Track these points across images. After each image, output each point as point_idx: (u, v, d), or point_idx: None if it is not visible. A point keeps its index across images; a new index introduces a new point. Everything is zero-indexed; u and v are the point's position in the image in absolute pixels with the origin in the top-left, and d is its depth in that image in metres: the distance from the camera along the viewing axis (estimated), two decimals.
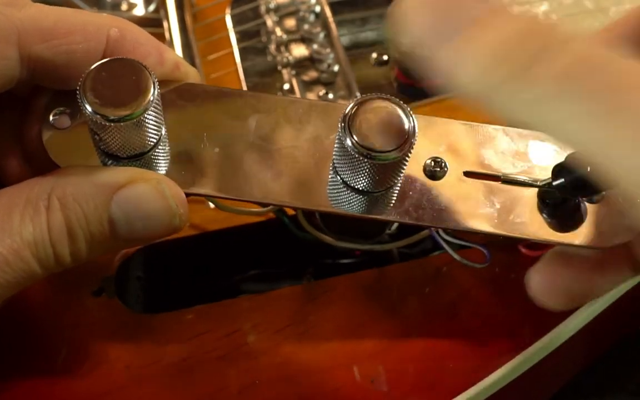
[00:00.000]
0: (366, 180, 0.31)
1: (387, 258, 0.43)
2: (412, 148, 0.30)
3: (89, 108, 0.29)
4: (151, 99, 0.30)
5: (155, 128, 0.31)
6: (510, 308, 0.38)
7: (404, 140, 0.30)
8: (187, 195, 0.32)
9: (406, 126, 0.30)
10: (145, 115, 0.30)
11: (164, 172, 0.32)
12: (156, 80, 0.30)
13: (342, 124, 0.30)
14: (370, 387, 0.35)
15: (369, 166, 0.30)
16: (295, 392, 0.35)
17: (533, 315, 0.37)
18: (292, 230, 0.39)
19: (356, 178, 0.31)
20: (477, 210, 0.32)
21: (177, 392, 0.35)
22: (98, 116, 0.29)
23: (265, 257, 0.45)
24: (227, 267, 0.45)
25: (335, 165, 0.32)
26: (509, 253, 0.39)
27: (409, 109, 0.30)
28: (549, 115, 0.21)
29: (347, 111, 0.30)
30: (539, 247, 0.38)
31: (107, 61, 0.30)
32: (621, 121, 0.20)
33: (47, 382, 0.36)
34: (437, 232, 0.36)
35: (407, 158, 0.30)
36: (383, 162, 0.30)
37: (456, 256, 0.36)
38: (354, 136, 0.30)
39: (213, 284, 0.45)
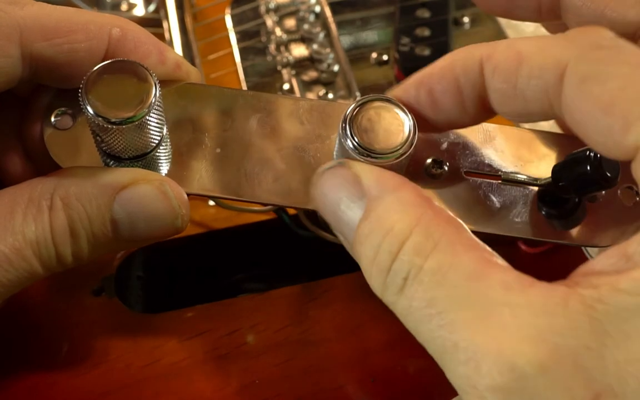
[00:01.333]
0: None
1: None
2: (412, 149, 0.30)
3: (90, 110, 0.29)
4: (153, 100, 0.30)
5: (157, 129, 0.31)
6: None
7: (404, 141, 0.30)
8: (189, 195, 0.32)
9: (406, 127, 0.30)
10: (147, 117, 0.30)
11: (165, 172, 0.32)
12: (157, 81, 0.30)
13: (343, 125, 0.30)
14: (370, 387, 0.35)
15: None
16: (295, 392, 0.35)
17: None
18: (292, 228, 0.39)
19: None
20: (477, 210, 0.32)
21: (177, 391, 0.35)
22: (100, 119, 0.29)
23: (265, 256, 0.45)
24: (227, 267, 0.45)
25: None
26: (509, 249, 0.39)
27: (409, 111, 0.30)
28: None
29: (347, 112, 0.30)
30: (539, 243, 0.38)
31: (108, 63, 0.30)
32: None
33: (47, 381, 0.36)
34: None
35: (407, 159, 0.30)
36: (383, 163, 0.30)
37: None
38: (355, 137, 0.30)
39: (213, 284, 0.45)
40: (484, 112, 0.29)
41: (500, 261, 0.24)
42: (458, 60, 0.29)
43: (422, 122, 0.30)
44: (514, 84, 0.27)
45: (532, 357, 0.21)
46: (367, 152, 0.29)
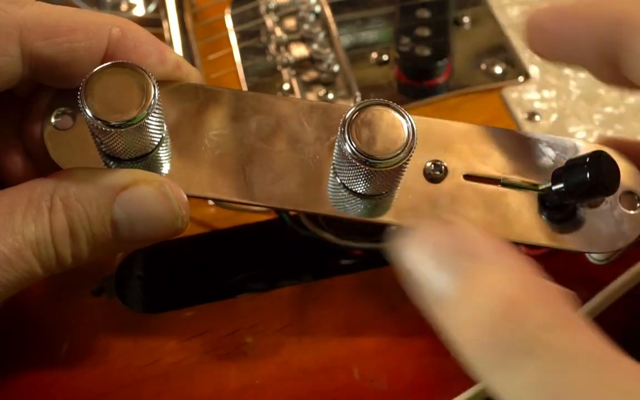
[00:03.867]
0: (366, 185, 0.31)
1: (387, 258, 0.42)
2: (412, 155, 0.30)
3: (89, 113, 0.29)
4: (152, 102, 0.30)
5: (157, 131, 0.31)
6: None
7: (404, 147, 0.30)
8: (189, 196, 0.32)
9: (406, 133, 0.30)
10: (147, 120, 0.30)
11: (165, 173, 0.32)
12: (156, 83, 0.30)
13: (342, 130, 0.30)
14: (370, 387, 0.35)
15: (368, 172, 0.30)
16: (295, 392, 0.35)
17: None
18: (293, 228, 0.39)
19: (356, 182, 0.31)
20: (477, 214, 0.32)
21: (177, 392, 0.35)
22: (99, 122, 0.29)
23: (265, 256, 0.45)
24: (227, 267, 0.45)
25: (335, 168, 0.32)
26: None
27: (409, 115, 0.30)
28: None
29: (347, 117, 0.30)
30: (539, 247, 0.38)
31: (107, 65, 0.30)
32: None
33: (47, 381, 0.36)
34: None
35: (406, 164, 0.30)
36: (382, 169, 0.30)
37: None
38: (353, 143, 0.30)
39: (213, 284, 0.45)
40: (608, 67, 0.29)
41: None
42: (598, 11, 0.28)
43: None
44: None
45: None
46: (366, 157, 0.29)
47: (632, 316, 0.43)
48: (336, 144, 0.31)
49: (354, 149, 0.29)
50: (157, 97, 0.30)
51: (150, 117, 0.30)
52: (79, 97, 0.29)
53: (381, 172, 0.30)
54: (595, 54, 0.29)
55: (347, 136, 0.30)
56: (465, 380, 0.35)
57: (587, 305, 0.37)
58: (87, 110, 0.29)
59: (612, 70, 0.29)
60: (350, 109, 0.30)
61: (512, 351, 0.21)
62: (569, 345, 0.20)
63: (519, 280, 0.22)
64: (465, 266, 0.23)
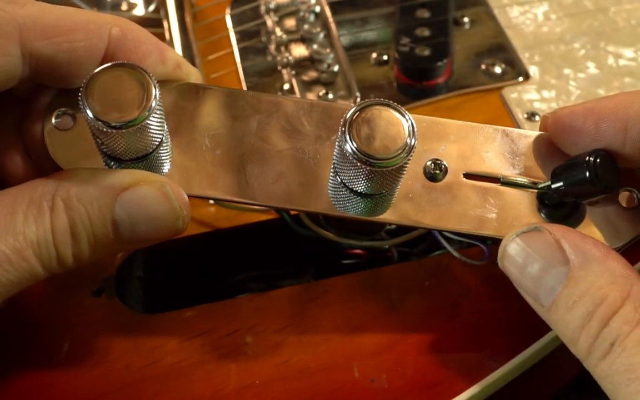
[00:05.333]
0: (366, 184, 0.31)
1: (387, 258, 0.43)
2: (412, 154, 0.30)
3: (90, 114, 0.29)
4: (153, 104, 0.30)
5: (158, 131, 0.31)
6: (510, 306, 0.38)
7: (404, 147, 0.30)
8: (189, 196, 0.32)
9: (406, 133, 0.30)
10: (148, 121, 0.30)
11: (166, 173, 0.32)
12: (157, 84, 0.30)
13: (342, 130, 0.30)
14: (370, 387, 0.35)
15: (368, 172, 0.30)
16: (295, 392, 0.35)
17: (534, 313, 0.37)
18: (293, 227, 0.39)
19: (356, 182, 0.31)
20: (477, 213, 0.32)
21: (177, 392, 0.35)
22: (100, 122, 0.29)
23: (265, 256, 0.45)
24: (227, 267, 0.45)
25: (336, 167, 0.32)
26: None
27: (409, 114, 0.30)
28: None
29: (347, 116, 0.30)
30: None
31: (108, 66, 0.30)
32: None
33: (47, 381, 0.36)
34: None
35: (406, 164, 0.30)
36: (382, 169, 0.30)
37: (455, 254, 0.37)
38: (354, 142, 0.29)
39: (213, 284, 0.45)
40: None
41: None
42: (634, 103, 0.30)
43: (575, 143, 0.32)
44: None
45: None
46: (366, 157, 0.29)
47: None
48: (336, 143, 0.31)
49: (354, 149, 0.29)
50: (158, 98, 0.30)
51: (151, 118, 0.30)
52: (79, 97, 0.29)
53: (381, 171, 0.30)
54: (633, 150, 0.31)
55: (347, 136, 0.30)
56: (465, 379, 0.35)
57: None
58: (88, 111, 0.29)
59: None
60: (351, 108, 0.30)
61: (601, 342, 0.26)
62: None
63: (614, 283, 0.27)
64: (559, 269, 0.28)
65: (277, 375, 0.36)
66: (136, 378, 0.36)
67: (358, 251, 0.43)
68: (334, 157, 0.32)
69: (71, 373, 0.36)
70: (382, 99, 0.31)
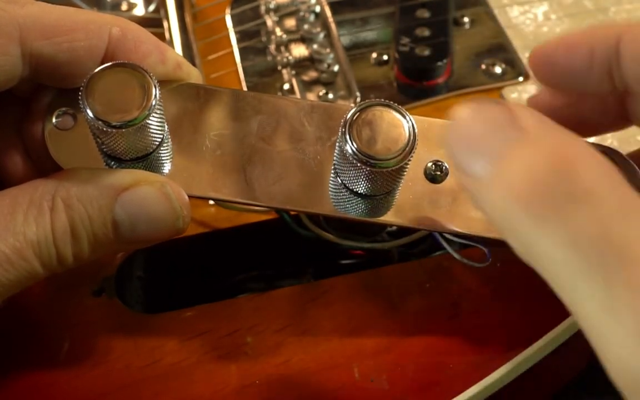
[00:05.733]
0: (366, 185, 0.31)
1: (387, 258, 0.43)
2: (412, 155, 0.30)
3: (90, 113, 0.29)
4: (153, 103, 0.30)
5: (158, 131, 0.31)
6: (510, 307, 0.38)
7: (405, 148, 0.30)
8: (190, 197, 0.32)
9: (407, 133, 0.30)
10: (148, 120, 0.30)
11: (166, 173, 0.32)
12: (157, 83, 0.30)
13: (343, 130, 0.30)
14: (370, 387, 0.35)
15: (369, 173, 0.30)
16: (295, 392, 0.35)
17: (533, 314, 0.37)
18: (293, 227, 0.39)
19: (356, 183, 0.31)
20: (478, 214, 0.32)
21: (177, 392, 0.35)
22: (100, 122, 0.29)
23: (265, 256, 0.45)
24: (227, 267, 0.45)
25: (336, 168, 0.32)
26: (510, 250, 0.39)
27: (409, 115, 0.30)
28: (556, 271, 0.21)
29: (347, 117, 0.30)
30: None
31: (108, 65, 0.30)
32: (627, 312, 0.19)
33: (46, 381, 0.36)
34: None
35: (407, 165, 0.30)
36: (383, 170, 0.30)
37: (456, 255, 0.36)
38: (354, 143, 0.29)
39: (213, 284, 0.45)
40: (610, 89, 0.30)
41: None
42: (599, 29, 0.30)
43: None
44: None
45: None
46: (367, 158, 0.29)
47: None
48: (337, 144, 0.31)
49: (354, 150, 0.29)
50: (158, 98, 0.30)
51: (151, 118, 0.30)
52: (80, 97, 0.29)
53: (382, 172, 0.30)
54: (600, 74, 0.30)
55: (348, 137, 0.30)
56: (465, 379, 0.35)
57: None
58: (88, 111, 0.29)
59: (618, 100, 0.31)
60: (351, 109, 0.30)
61: (561, 201, 0.21)
62: (626, 197, 0.21)
63: (568, 139, 0.22)
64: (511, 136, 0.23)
65: (277, 375, 0.36)
66: (136, 378, 0.36)
67: (358, 251, 0.43)
68: (335, 158, 0.32)
69: (71, 373, 0.36)
70: (382, 100, 0.31)
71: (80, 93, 0.29)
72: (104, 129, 0.29)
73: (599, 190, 0.21)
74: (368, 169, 0.30)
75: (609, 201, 0.21)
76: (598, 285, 0.20)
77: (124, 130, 0.29)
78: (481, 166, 0.23)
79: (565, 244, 0.20)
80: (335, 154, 0.32)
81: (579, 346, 0.39)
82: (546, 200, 0.21)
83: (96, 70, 0.30)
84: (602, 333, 0.20)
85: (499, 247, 0.38)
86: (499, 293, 0.38)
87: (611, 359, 0.20)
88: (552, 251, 0.21)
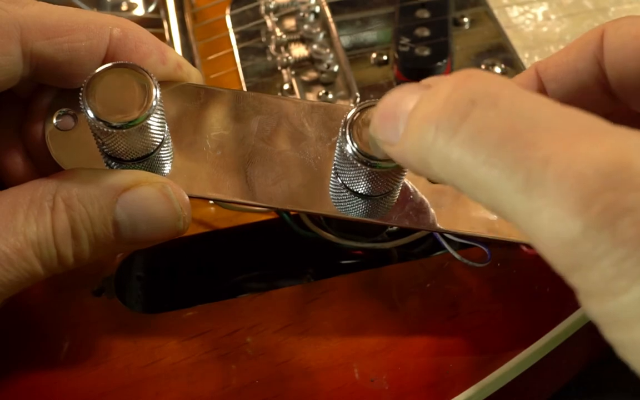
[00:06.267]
0: (367, 185, 0.31)
1: (387, 258, 0.43)
2: None
3: (91, 114, 0.29)
4: (154, 103, 0.30)
5: (159, 131, 0.31)
6: (510, 307, 0.38)
7: None
8: (190, 197, 0.32)
9: None
10: (149, 121, 0.30)
11: (167, 173, 0.32)
12: (158, 84, 0.30)
13: (343, 130, 0.30)
14: (370, 387, 0.35)
15: (369, 173, 0.30)
16: (296, 392, 0.35)
17: (533, 314, 0.37)
18: (293, 227, 0.39)
19: (357, 183, 0.31)
20: (479, 214, 0.32)
21: (177, 392, 0.35)
22: (101, 122, 0.29)
23: (265, 256, 0.45)
24: (227, 267, 0.45)
25: (337, 168, 0.32)
26: (510, 250, 0.39)
27: None
28: (470, 177, 0.22)
29: (348, 117, 0.30)
30: None
31: (109, 66, 0.30)
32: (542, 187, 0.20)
33: (47, 381, 0.35)
34: None
35: None
36: (383, 170, 0.30)
37: (456, 255, 0.37)
38: (355, 143, 0.29)
39: (213, 284, 0.45)
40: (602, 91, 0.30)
41: None
42: (585, 36, 0.30)
43: None
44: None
45: None
46: (367, 158, 0.29)
47: None
48: (337, 144, 0.31)
49: (355, 150, 0.29)
50: (158, 98, 0.30)
51: (152, 118, 0.30)
52: (80, 98, 0.29)
53: (382, 173, 0.30)
54: (591, 73, 0.30)
55: (348, 137, 0.30)
56: (465, 379, 0.35)
57: None
58: (89, 111, 0.29)
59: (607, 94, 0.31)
60: (352, 109, 0.30)
61: (463, 109, 0.22)
62: (518, 91, 0.22)
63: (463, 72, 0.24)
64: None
65: (277, 375, 0.36)
66: (136, 378, 0.36)
67: (358, 252, 0.43)
68: (335, 158, 0.32)
69: (71, 373, 0.36)
70: None
71: (80, 93, 0.29)
72: (105, 129, 0.29)
73: (493, 91, 0.22)
74: (368, 169, 0.30)
75: (503, 96, 0.22)
76: (513, 171, 0.20)
77: (124, 130, 0.29)
78: (400, 123, 0.25)
79: (477, 144, 0.21)
80: (335, 154, 0.32)
81: (579, 346, 0.39)
82: (451, 114, 0.22)
83: (97, 70, 0.30)
84: (530, 217, 0.20)
85: (499, 247, 0.39)
86: (499, 293, 0.38)
87: (545, 239, 0.20)
88: (467, 158, 0.22)
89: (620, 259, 0.18)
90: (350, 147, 0.29)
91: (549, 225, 0.20)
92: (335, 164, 0.32)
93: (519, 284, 0.38)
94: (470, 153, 0.21)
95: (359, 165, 0.30)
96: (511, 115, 0.21)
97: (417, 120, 0.24)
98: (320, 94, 0.49)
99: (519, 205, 0.20)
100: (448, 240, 0.36)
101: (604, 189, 0.19)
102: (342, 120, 0.30)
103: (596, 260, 0.19)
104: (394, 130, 0.25)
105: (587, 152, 0.19)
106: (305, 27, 0.52)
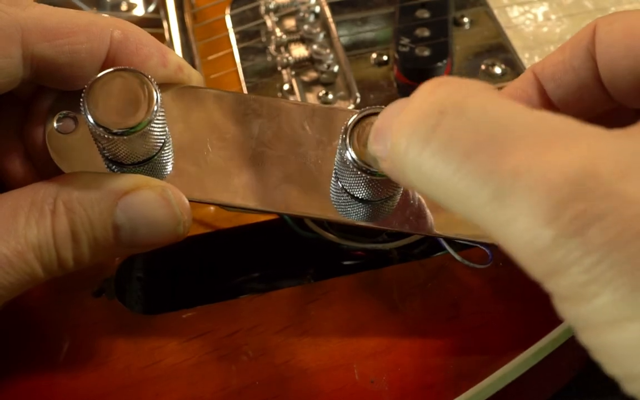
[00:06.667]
0: (367, 191, 0.31)
1: (387, 258, 0.43)
2: None
3: (92, 120, 0.29)
4: (155, 109, 0.30)
5: (160, 136, 0.31)
6: (511, 307, 0.38)
7: None
8: (191, 201, 0.32)
9: None
10: (150, 127, 0.30)
11: (168, 177, 0.32)
12: (159, 89, 0.30)
13: (343, 137, 0.30)
14: (370, 387, 0.35)
15: (368, 180, 0.30)
16: (296, 393, 0.35)
17: (533, 314, 0.37)
18: (294, 228, 0.39)
19: (357, 188, 0.31)
20: None
21: (178, 392, 0.35)
22: (101, 129, 0.29)
23: (266, 257, 0.45)
24: (227, 268, 0.45)
25: (337, 173, 0.32)
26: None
27: None
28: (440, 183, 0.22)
29: (348, 124, 0.30)
30: None
31: (110, 71, 0.30)
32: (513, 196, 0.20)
33: (47, 382, 0.36)
34: None
35: None
36: (383, 178, 0.30)
37: (457, 257, 0.37)
38: (354, 151, 0.30)
39: (214, 284, 0.45)
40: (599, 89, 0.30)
41: None
42: (578, 33, 0.30)
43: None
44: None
45: None
46: (366, 167, 0.29)
47: None
48: (338, 150, 0.31)
49: (354, 158, 0.29)
50: (159, 104, 0.30)
51: (153, 124, 0.30)
52: (81, 103, 0.29)
53: (382, 180, 0.30)
54: (587, 70, 0.30)
55: (348, 144, 0.30)
56: (465, 380, 0.35)
57: None
58: (90, 117, 0.29)
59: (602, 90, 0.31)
60: (352, 116, 0.30)
61: (433, 120, 0.22)
62: (486, 94, 0.22)
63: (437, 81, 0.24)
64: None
65: (277, 376, 0.36)
66: (136, 379, 0.36)
67: (359, 252, 0.43)
68: (335, 163, 0.32)
69: (71, 374, 0.36)
70: (383, 107, 0.31)
71: (81, 99, 0.29)
72: (106, 135, 0.29)
73: (462, 99, 0.22)
74: (368, 177, 0.30)
75: (474, 104, 0.22)
76: (484, 182, 0.21)
77: (125, 137, 0.29)
78: (387, 138, 0.25)
79: (447, 154, 0.22)
80: (335, 160, 0.32)
81: (578, 346, 0.39)
82: (422, 126, 0.22)
83: (98, 76, 0.30)
84: (503, 226, 0.20)
85: (499, 248, 0.39)
86: (499, 294, 0.38)
87: (518, 247, 0.20)
88: (438, 169, 0.22)
89: (590, 266, 0.19)
90: (349, 155, 0.29)
91: (521, 234, 0.20)
92: (335, 169, 0.32)
93: (520, 284, 0.38)
94: (441, 164, 0.22)
95: (358, 172, 0.30)
96: (480, 123, 0.21)
97: (394, 133, 0.24)
98: (320, 94, 0.49)
99: (491, 215, 0.21)
100: (449, 241, 0.36)
101: (573, 198, 0.19)
102: (343, 127, 0.30)
103: (568, 267, 0.19)
104: (384, 144, 0.25)
105: (557, 160, 0.20)
106: (305, 27, 0.52)
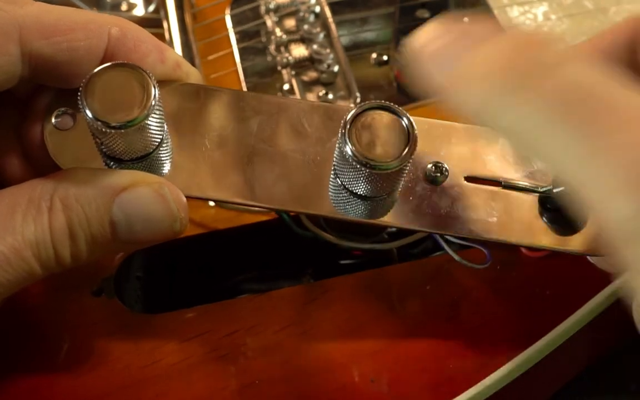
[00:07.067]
0: (366, 187, 0.31)
1: (387, 258, 0.43)
2: (412, 157, 0.30)
3: (89, 114, 0.29)
4: (152, 103, 0.30)
5: (157, 132, 0.31)
6: (510, 308, 0.38)
7: (405, 150, 0.30)
8: (189, 197, 0.32)
9: (406, 135, 0.30)
10: (147, 121, 0.30)
11: (166, 174, 0.32)
12: (157, 84, 0.30)
13: (342, 132, 0.30)
14: (370, 387, 0.35)
15: (368, 175, 0.30)
16: (295, 392, 0.35)
17: (533, 315, 0.37)
18: (292, 228, 0.39)
19: (356, 184, 0.31)
20: (478, 216, 0.32)
21: (177, 392, 0.35)
22: (99, 122, 0.29)
23: (265, 257, 0.45)
24: (227, 267, 0.45)
25: (336, 169, 0.32)
26: (510, 252, 0.39)
27: (409, 117, 0.30)
28: (536, 137, 0.21)
29: (348, 118, 0.30)
30: (540, 248, 0.38)
31: (107, 66, 0.30)
32: (605, 161, 0.20)
33: (46, 382, 0.36)
34: None
35: (406, 167, 0.30)
36: (383, 172, 0.30)
37: (456, 257, 0.36)
38: (354, 145, 0.29)
39: (213, 284, 0.45)
40: None
41: None
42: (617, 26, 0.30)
43: None
44: None
45: None
46: (366, 160, 0.29)
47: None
48: (337, 145, 0.31)
49: (353, 151, 0.29)
50: (157, 98, 0.30)
51: (150, 118, 0.30)
52: (79, 97, 0.29)
53: (382, 174, 0.30)
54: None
55: (347, 139, 0.30)
56: (465, 380, 0.35)
57: (587, 305, 0.37)
58: (88, 111, 0.29)
59: None
60: (351, 111, 0.30)
61: (531, 71, 0.21)
62: (582, 57, 0.21)
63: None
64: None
65: (277, 376, 0.36)
66: (136, 378, 0.36)
67: (358, 252, 0.43)
68: (334, 160, 0.32)
69: (71, 373, 0.36)
70: (382, 101, 0.31)
71: (79, 93, 0.29)
72: (103, 129, 0.29)
73: (563, 59, 0.21)
74: (368, 171, 0.29)
75: (574, 62, 0.21)
76: (578, 140, 0.20)
77: (123, 130, 0.29)
78: (455, 63, 0.24)
79: (541, 108, 0.21)
80: (334, 156, 0.32)
81: (578, 347, 0.39)
82: (516, 73, 0.22)
83: (95, 70, 0.30)
84: (591, 186, 0.20)
85: (498, 248, 0.39)
86: (499, 294, 0.38)
87: (602, 209, 0.20)
88: (531, 119, 0.21)
89: None
90: (349, 149, 0.29)
91: (608, 199, 0.20)
92: (334, 165, 0.32)
93: (519, 285, 0.38)
94: (538, 119, 0.21)
95: (358, 166, 0.29)
96: (582, 84, 0.21)
97: (480, 75, 0.23)
98: (320, 94, 0.49)
99: (581, 172, 0.20)
100: (448, 242, 0.36)
101: None
102: (342, 122, 0.30)
103: None
104: (447, 66, 0.24)
105: None
106: (305, 27, 0.52)
